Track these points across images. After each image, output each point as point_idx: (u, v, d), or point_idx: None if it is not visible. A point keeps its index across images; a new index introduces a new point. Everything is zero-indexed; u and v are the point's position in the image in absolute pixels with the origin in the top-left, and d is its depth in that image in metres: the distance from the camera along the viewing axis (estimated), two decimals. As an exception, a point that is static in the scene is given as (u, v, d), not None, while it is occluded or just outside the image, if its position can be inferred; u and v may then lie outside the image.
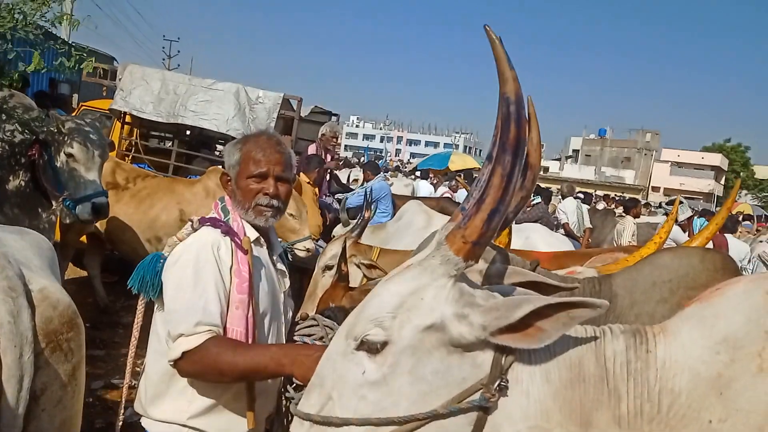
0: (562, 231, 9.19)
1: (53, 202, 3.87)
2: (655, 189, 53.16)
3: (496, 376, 1.31)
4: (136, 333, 2.16)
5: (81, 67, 3.89)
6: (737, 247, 7.01)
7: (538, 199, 9.27)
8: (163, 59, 37.81)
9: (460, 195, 11.03)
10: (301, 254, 4.99)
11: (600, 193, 26.38)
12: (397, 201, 7.35)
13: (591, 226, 9.76)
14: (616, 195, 26.65)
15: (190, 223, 2.02)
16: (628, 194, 33.84)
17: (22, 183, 3.97)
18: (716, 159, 56.23)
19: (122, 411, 2.22)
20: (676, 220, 7.11)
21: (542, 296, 1.36)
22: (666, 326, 1.41)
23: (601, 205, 17.08)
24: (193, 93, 6.93)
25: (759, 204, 40.80)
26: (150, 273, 1.99)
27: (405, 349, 1.33)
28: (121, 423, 2.21)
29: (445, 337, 1.32)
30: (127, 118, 7.17)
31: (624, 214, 10.13)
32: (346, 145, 69.99)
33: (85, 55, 3.96)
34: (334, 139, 7.44)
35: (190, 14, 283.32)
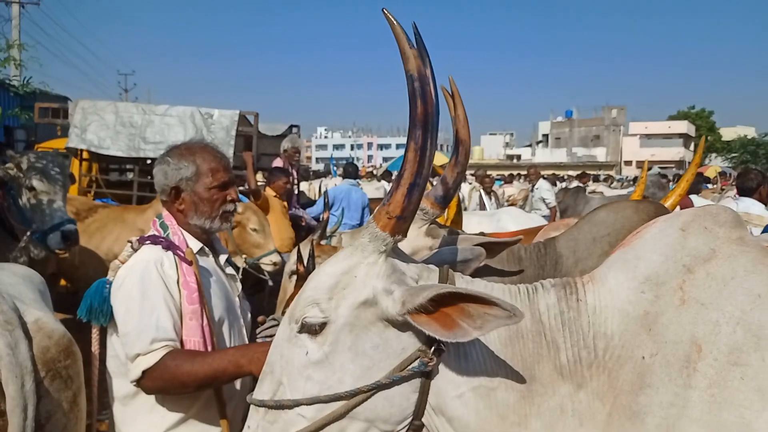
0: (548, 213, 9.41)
1: (22, 239, 3.87)
2: (628, 163, 53.90)
3: (433, 341, 1.35)
4: (96, 362, 2.16)
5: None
6: (702, 205, 7.13)
7: None
8: (120, 94, 37.61)
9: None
10: (268, 268, 4.99)
11: (572, 173, 26.71)
12: (373, 204, 7.38)
13: (554, 204, 9.95)
14: (590, 173, 27.07)
15: (129, 244, 2.03)
16: (602, 172, 34.32)
17: None
18: (683, 126, 57.26)
19: None
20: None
21: (454, 286, 1.39)
22: (593, 274, 1.47)
23: (573, 185, 17.36)
24: (150, 123, 6.89)
25: (729, 165, 41.60)
26: (97, 300, 1.99)
27: (343, 327, 1.37)
28: None
29: (379, 311, 1.36)
30: (85, 155, 7.09)
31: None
32: (317, 158, 69.95)
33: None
34: (297, 154, 7.44)
35: (142, 45, 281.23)
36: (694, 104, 62.17)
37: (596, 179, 20.79)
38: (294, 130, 8.44)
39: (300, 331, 1.40)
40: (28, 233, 3.86)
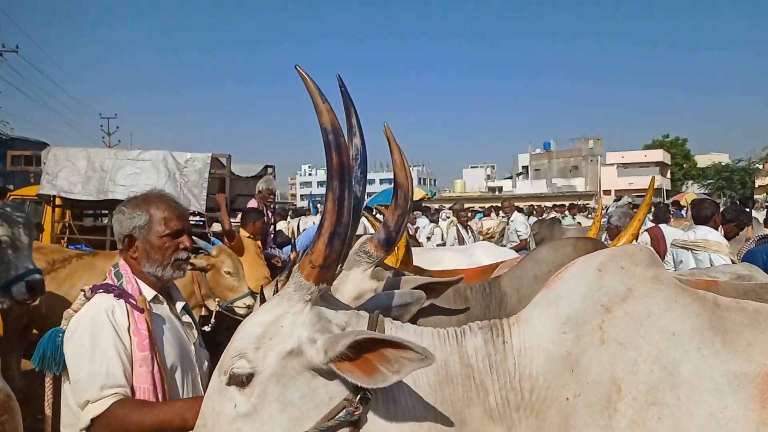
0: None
1: None
2: (606, 192, 54.46)
3: (360, 389, 1.35)
4: (48, 411, 2.14)
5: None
6: (672, 234, 7.23)
7: None
8: (103, 137, 37.56)
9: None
10: (242, 312, 4.95)
11: (548, 204, 27.04)
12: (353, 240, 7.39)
13: (525, 237, 10.05)
14: (570, 203, 27.38)
15: (82, 293, 2.05)
16: (581, 202, 34.67)
17: None
18: (658, 155, 58.29)
19: None
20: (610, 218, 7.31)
21: (369, 331, 1.38)
22: (519, 316, 1.49)
23: (551, 215, 17.51)
24: (121, 167, 6.92)
25: (705, 192, 42.26)
26: (50, 349, 2.00)
27: (270, 378, 1.37)
28: None
29: (305, 360, 1.37)
30: (57, 201, 7.08)
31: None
32: (301, 195, 70.08)
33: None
34: (272, 195, 7.48)
35: (124, 88, 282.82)
36: (668, 133, 63.51)
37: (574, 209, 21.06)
38: (269, 170, 8.48)
39: (228, 383, 1.40)
40: None
